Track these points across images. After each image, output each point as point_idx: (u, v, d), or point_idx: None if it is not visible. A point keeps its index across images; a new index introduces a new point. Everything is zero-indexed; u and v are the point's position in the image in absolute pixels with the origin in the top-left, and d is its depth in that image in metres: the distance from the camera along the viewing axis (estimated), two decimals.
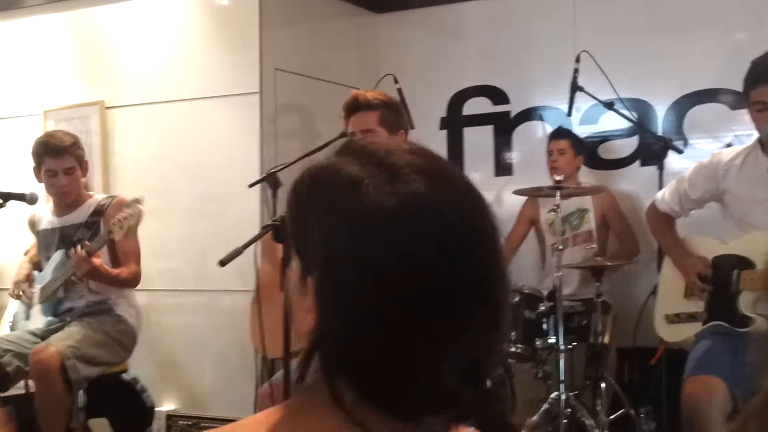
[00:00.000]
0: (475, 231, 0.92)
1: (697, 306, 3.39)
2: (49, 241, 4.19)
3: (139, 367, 4.34)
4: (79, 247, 3.82)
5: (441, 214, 0.89)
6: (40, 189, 4.18)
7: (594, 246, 4.39)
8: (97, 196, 4.25)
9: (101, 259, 3.91)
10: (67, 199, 4.13)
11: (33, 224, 4.30)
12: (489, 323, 0.92)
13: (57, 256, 4.11)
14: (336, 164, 0.94)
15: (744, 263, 3.24)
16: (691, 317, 3.40)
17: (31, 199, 4.08)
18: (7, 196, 3.98)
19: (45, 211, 4.27)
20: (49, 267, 4.14)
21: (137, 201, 3.86)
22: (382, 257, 0.87)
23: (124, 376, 4.20)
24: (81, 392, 3.79)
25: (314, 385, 0.92)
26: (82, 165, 4.12)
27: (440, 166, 0.95)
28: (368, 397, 0.89)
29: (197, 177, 4.85)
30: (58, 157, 4.01)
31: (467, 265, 0.89)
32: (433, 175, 0.91)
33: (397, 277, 0.87)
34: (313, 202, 0.94)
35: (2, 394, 3.96)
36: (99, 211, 4.11)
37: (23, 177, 5.10)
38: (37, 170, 4.11)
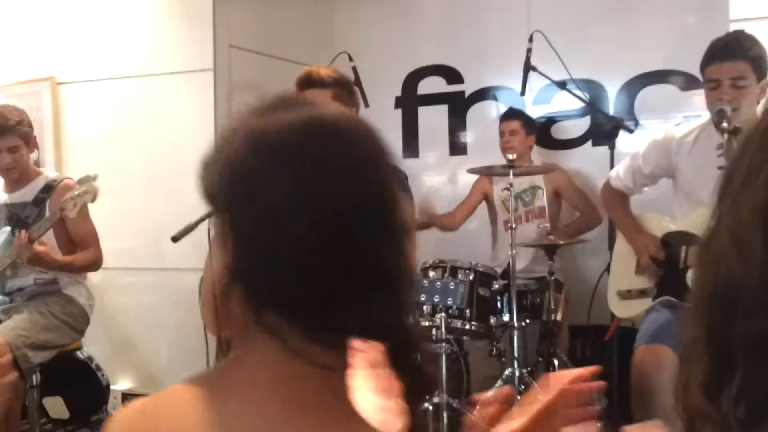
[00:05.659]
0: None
1: (648, 282, 3.46)
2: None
3: (94, 346, 4.31)
4: (23, 231, 3.70)
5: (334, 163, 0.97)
6: None
7: (547, 225, 4.44)
8: (48, 173, 4.16)
9: (46, 247, 3.76)
10: (11, 176, 4.02)
11: None
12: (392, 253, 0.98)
13: (3, 233, 4.02)
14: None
15: (692, 239, 3.30)
16: (642, 293, 3.47)
17: None
18: None
19: None
20: None
21: (92, 178, 3.72)
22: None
23: (79, 354, 4.16)
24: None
25: (237, 352, 0.98)
26: (29, 142, 3.99)
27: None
28: (298, 325, 0.94)
29: (151, 154, 4.80)
30: (2, 136, 3.88)
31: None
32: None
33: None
34: None
35: None
36: (48, 188, 4.00)
37: None
38: None
